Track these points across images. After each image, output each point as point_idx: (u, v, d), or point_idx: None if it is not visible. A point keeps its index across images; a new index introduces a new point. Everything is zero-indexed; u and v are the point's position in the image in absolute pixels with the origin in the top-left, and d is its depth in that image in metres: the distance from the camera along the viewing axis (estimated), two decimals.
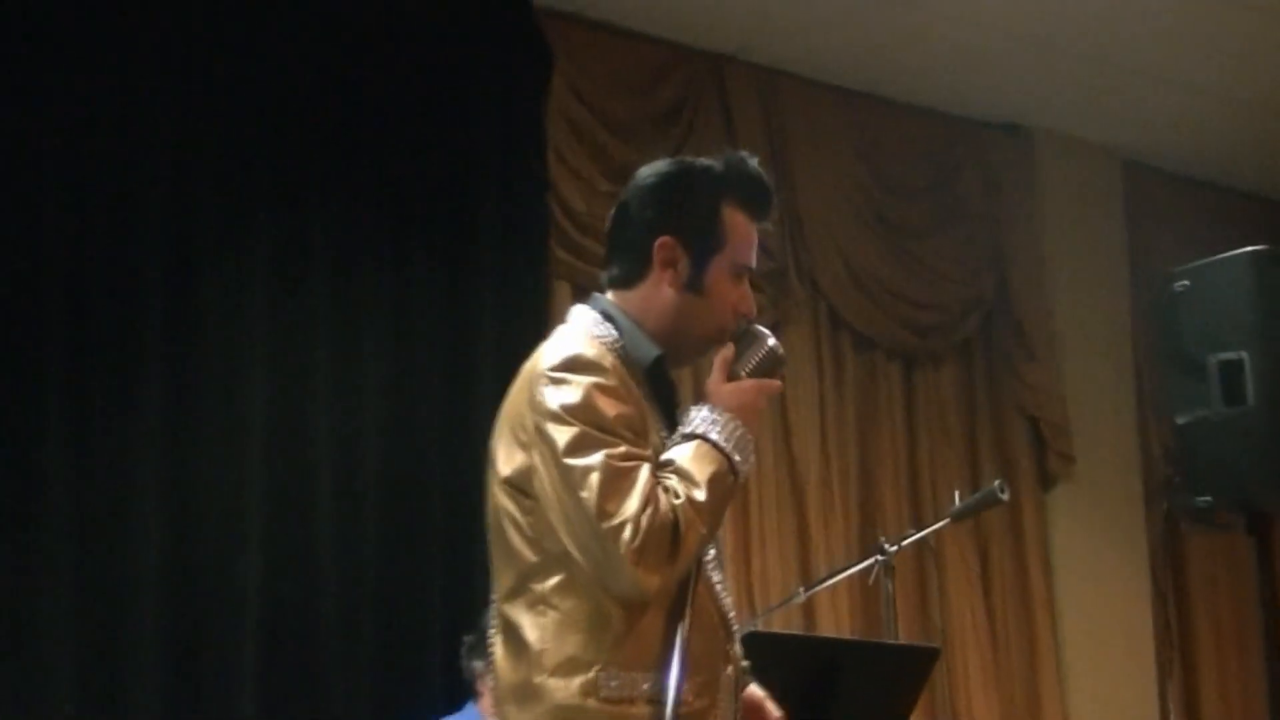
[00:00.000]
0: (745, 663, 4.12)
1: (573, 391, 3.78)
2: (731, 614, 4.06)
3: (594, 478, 3.70)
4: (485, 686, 6.86)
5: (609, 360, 3.88)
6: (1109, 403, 10.42)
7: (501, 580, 3.94)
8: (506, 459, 3.88)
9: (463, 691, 7.19)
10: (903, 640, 7.60)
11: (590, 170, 8.75)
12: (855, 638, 8.38)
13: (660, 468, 3.77)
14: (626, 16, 8.98)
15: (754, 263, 4.10)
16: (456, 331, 8.28)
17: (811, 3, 8.82)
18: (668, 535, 3.71)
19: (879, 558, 6.87)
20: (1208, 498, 6.00)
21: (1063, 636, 10.03)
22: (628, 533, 3.66)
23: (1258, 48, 9.35)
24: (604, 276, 4.10)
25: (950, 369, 9.99)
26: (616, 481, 3.70)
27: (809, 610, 8.42)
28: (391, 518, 7.97)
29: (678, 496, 3.71)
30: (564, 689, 3.85)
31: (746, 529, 8.85)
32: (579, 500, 3.70)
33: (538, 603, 3.91)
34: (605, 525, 3.66)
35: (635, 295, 4.00)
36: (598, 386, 3.78)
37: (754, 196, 4.09)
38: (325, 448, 7.95)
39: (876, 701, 6.04)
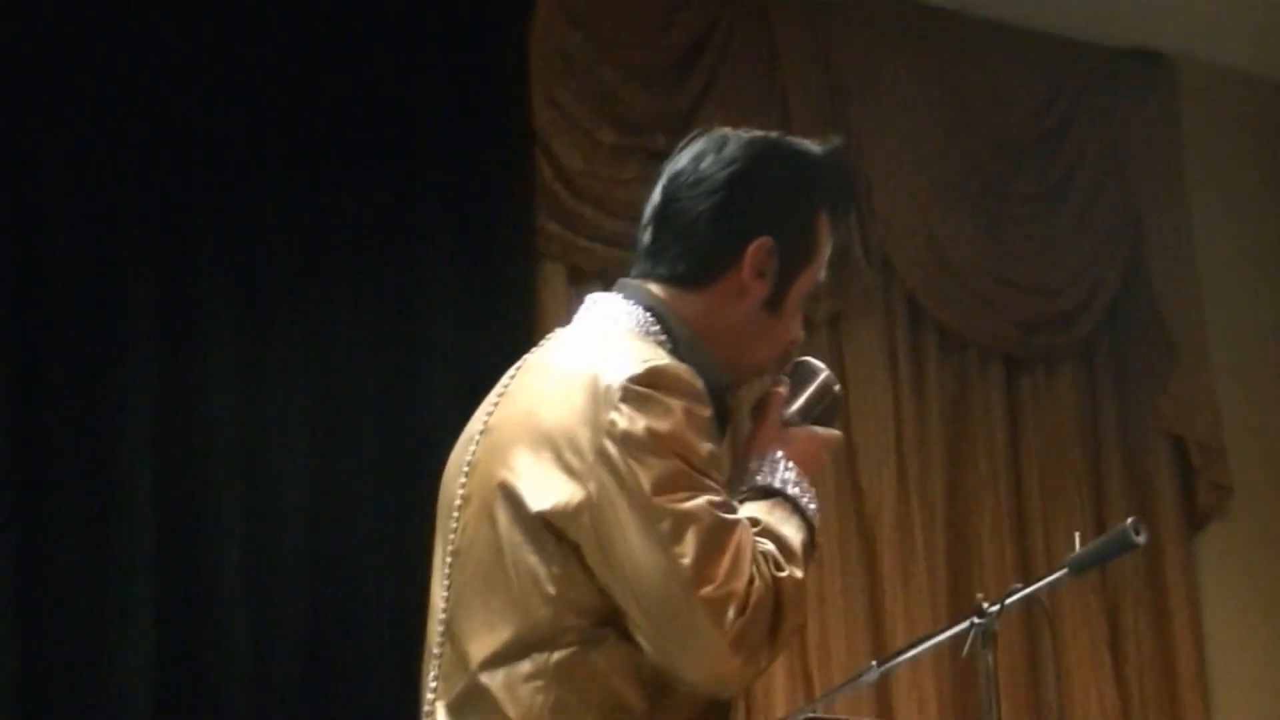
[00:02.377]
0: None
1: (664, 414, 3.38)
2: None
3: (693, 531, 3.30)
4: None
5: (700, 381, 3.51)
6: (1277, 419, 9.47)
7: (480, 638, 3.47)
8: (538, 487, 3.38)
9: None
10: None
11: (591, 117, 7.98)
12: None
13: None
14: None
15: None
16: (399, 330, 7.76)
17: None
18: (768, 616, 3.38)
19: (975, 621, 5.27)
20: None
21: (1215, 711, 9.11)
22: (733, 609, 3.29)
23: None
24: (645, 264, 3.68)
25: (1067, 374, 8.94)
26: (719, 539, 3.32)
27: (883, 692, 7.56)
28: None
29: (780, 569, 3.38)
30: None
31: None
32: (671, 557, 3.29)
33: (534, 678, 3.45)
34: (704, 593, 3.28)
35: (701, 300, 3.64)
36: (690, 413, 3.39)
37: (844, 202, 3.86)
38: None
39: None
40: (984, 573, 8.23)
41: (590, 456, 3.31)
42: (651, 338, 3.58)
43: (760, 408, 3.67)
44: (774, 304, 3.69)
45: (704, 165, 3.69)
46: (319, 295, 7.64)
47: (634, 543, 3.30)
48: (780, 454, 3.56)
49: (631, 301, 3.64)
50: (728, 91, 8.28)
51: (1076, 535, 6.05)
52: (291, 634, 7.59)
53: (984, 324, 8.64)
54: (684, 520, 3.28)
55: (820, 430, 3.64)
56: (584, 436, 3.32)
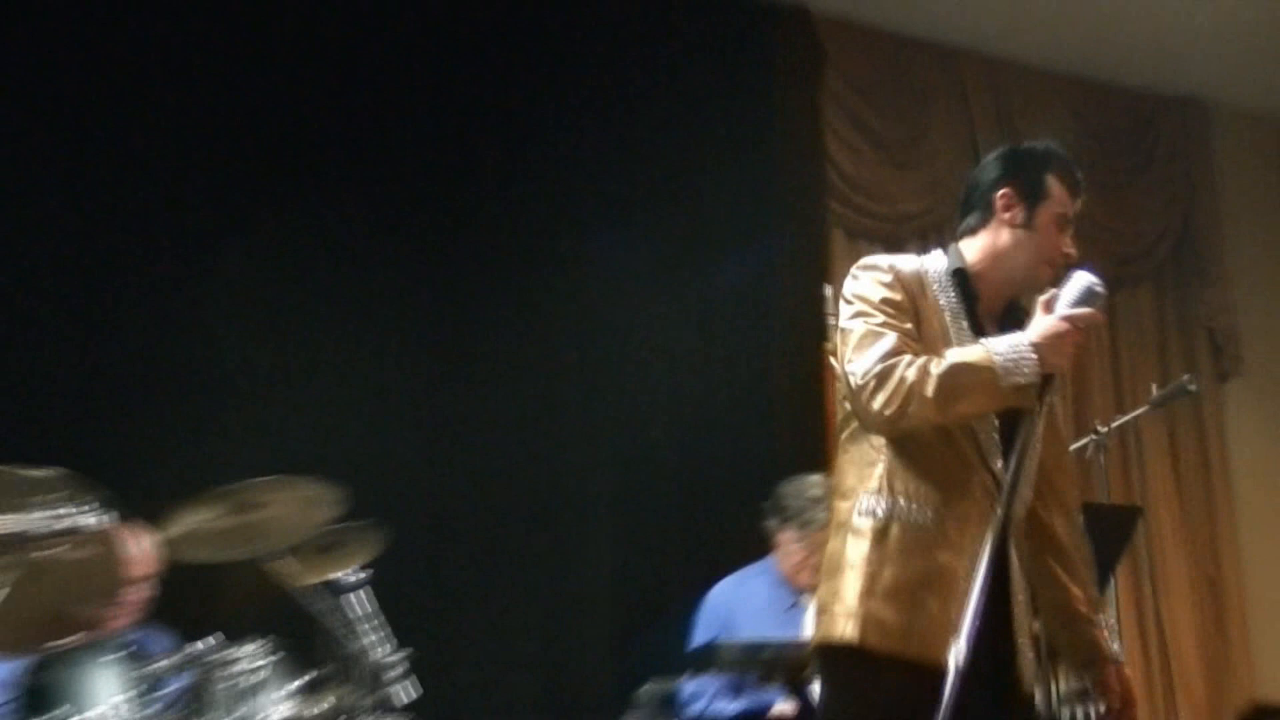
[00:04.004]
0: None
1: (855, 283, 4.84)
2: (998, 467, 4.71)
3: (853, 338, 4.70)
4: (779, 541, 7.81)
5: (887, 264, 4.86)
6: (1276, 316, 11.77)
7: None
8: (840, 340, 4.78)
9: (762, 548, 7.92)
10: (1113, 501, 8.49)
11: (858, 141, 10.25)
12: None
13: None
14: (887, 19, 10.53)
15: (1072, 218, 4.92)
16: (756, 271, 9.58)
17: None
18: (893, 383, 4.56)
19: (1094, 436, 7.85)
20: None
21: (1236, 496, 11.43)
22: (858, 378, 4.60)
23: None
24: (959, 232, 4.98)
25: (1146, 290, 11.46)
26: (865, 342, 4.65)
27: None
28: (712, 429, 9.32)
29: (924, 366, 4.54)
30: (843, 508, 4.83)
31: None
32: (845, 356, 4.67)
33: (841, 448, 4.88)
34: (849, 369, 4.64)
35: (979, 239, 4.93)
36: (873, 279, 4.81)
37: (1070, 173, 4.97)
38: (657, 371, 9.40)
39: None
40: (1094, 410, 10.17)
41: (838, 312, 4.82)
42: (902, 259, 4.95)
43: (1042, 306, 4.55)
44: (1027, 225, 4.83)
45: (976, 169, 5.07)
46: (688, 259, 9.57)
47: (841, 353, 4.73)
48: (1021, 335, 4.50)
49: (940, 251, 4.98)
50: (941, 129, 10.72)
51: (1154, 385, 8.90)
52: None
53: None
54: (849, 334, 4.72)
55: (1073, 312, 4.51)
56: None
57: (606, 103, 9.42)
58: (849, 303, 4.80)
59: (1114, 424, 8.30)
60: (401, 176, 8.98)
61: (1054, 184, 4.92)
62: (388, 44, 8.87)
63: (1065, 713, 6.35)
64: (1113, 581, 7.36)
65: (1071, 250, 4.89)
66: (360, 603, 6.98)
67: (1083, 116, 11.21)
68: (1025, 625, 4.77)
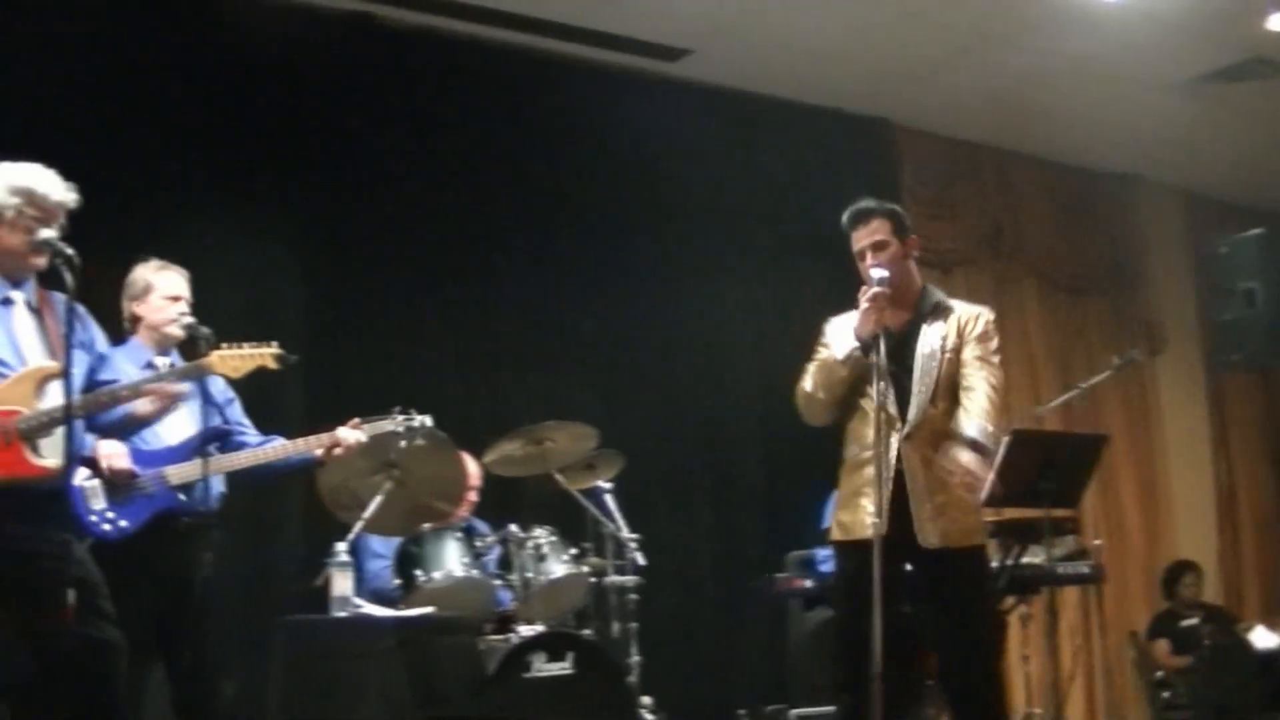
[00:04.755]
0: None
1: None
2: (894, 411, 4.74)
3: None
4: None
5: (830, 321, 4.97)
6: (1184, 315, 11.47)
7: None
8: None
9: None
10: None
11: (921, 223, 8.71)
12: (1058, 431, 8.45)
13: None
14: (933, 124, 9.92)
15: (864, 245, 4.88)
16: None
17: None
18: (799, 394, 4.98)
19: (1075, 391, 8.16)
20: (1236, 357, 8.86)
21: (1164, 427, 11.30)
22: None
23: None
24: None
25: (1102, 299, 11.05)
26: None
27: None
28: None
29: (808, 371, 4.94)
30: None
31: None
32: None
33: None
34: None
35: None
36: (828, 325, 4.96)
37: (849, 220, 4.95)
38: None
39: (1068, 477, 6.38)
40: (1074, 375, 9.65)
41: None
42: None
43: None
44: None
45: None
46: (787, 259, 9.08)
47: None
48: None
49: None
50: (965, 209, 10.24)
51: (1114, 358, 8.49)
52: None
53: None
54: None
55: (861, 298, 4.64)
56: None
57: (739, 177, 9.18)
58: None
59: (1086, 384, 8.28)
60: (617, 238, 8.73)
61: (849, 235, 4.96)
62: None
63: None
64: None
65: (866, 246, 4.91)
66: (609, 502, 7.04)
67: (1054, 190, 10.89)
68: (923, 499, 4.76)
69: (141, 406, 4.69)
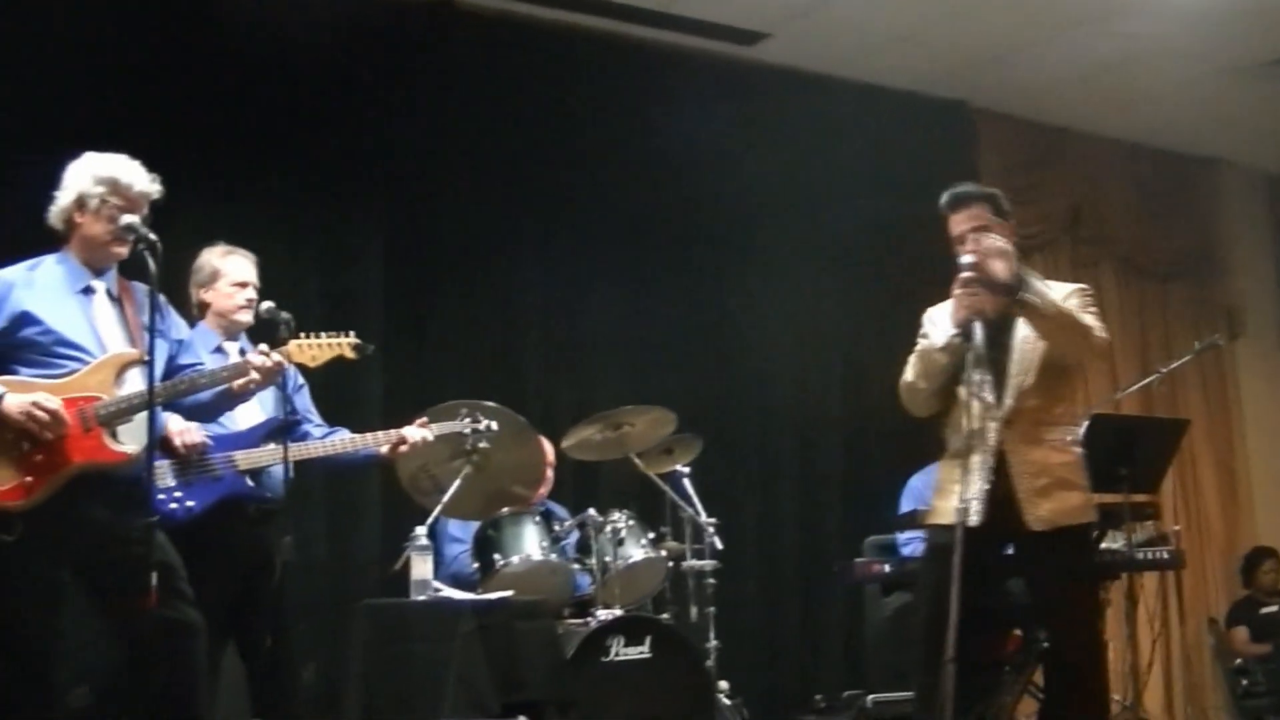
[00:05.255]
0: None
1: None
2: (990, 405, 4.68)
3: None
4: None
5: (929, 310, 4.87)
6: (1263, 299, 11.36)
7: None
8: None
9: None
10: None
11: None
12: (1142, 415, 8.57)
13: None
14: (1013, 107, 9.77)
15: (963, 231, 4.78)
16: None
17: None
18: (902, 386, 4.92)
19: (1156, 375, 7.90)
20: None
21: (1243, 412, 11.18)
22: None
23: None
24: None
25: (1185, 283, 10.91)
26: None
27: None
28: None
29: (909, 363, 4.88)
30: None
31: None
32: None
33: None
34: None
35: None
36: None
37: (947, 204, 4.85)
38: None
39: (1147, 462, 6.52)
40: (1154, 359, 9.64)
41: None
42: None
43: None
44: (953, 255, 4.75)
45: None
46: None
47: None
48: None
49: None
50: (1047, 196, 10.07)
51: (1195, 342, 8.30)
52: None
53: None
54: None
55: (956, 290, 4.60)
56: None
57: (818, 162, 9.03)
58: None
59: (1167, 368, 8.09)
60: (698, 223, 8.77)
61: (947, 219, 4.88)
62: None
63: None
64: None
65: (968, 251, 4.78)
66: (687, 486, 6.93)
67: (1135, 174, 10.74)
68: (1027, 483, 4.72)
69: (236, 385, 4.67)
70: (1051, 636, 4.86)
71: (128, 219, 4.31)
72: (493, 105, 7.77)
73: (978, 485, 4.56)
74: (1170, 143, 10.60)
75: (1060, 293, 4.83)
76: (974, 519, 4.47)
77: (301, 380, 5.39)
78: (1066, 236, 10.17)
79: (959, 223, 4.81)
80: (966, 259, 4.63)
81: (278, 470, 5.00)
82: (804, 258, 8.97)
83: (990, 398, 4.67)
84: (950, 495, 4.62)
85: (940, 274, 4.97)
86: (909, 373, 4.77)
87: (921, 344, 4.84)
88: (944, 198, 4.86)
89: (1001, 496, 4.63)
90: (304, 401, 5.45)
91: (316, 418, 5.48)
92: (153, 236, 4.23)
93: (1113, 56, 8.93)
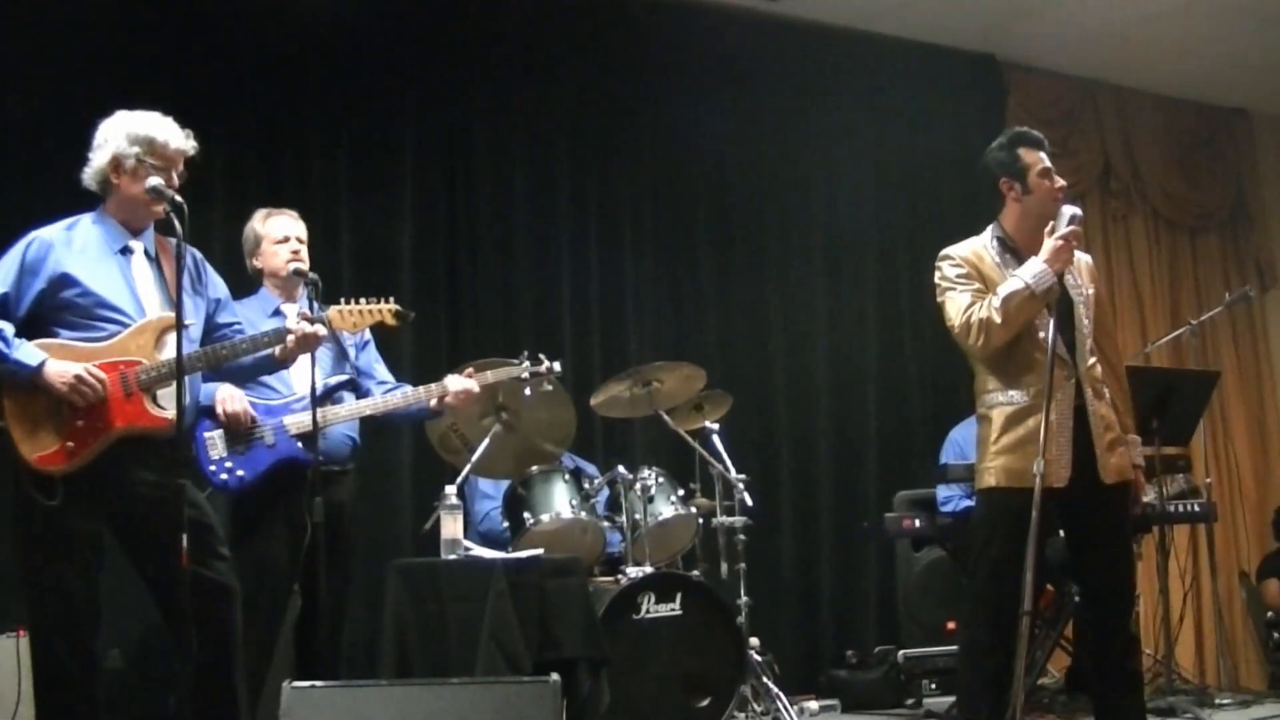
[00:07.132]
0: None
1: (938, 270, 4.84)
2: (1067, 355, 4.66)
3: (946, 304, 4.81)
4: None
5: (948, 253, 4.82)
6: None
7: None
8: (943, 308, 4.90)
9: None
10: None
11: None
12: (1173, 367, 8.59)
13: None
14: (1042, 61, 9.62)
15: (1048, 164, 4.78)
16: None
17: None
18: (975, 325, 4.65)
19: (1186, 327, 7.96)
20: None
21: (1274, 364, 10.99)
22: (954, 328, 4.74)
23: None
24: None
25: (1215, 236, 10.75)
26: (951, 304, 4.76)
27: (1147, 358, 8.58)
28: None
29: (988, 304, 4.64)
30: (978, 404, 4.91)
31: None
32: (947, 317, 4.80)
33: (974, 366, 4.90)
34: (949, 324, 4.78)
35: (1007, 213, 4.85)
36: (946, 264, 4.81)
37: (1030, 139, 4.84)
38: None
39: (1179, 414, 6.71)
40: (1185, 311, 9.70)
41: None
42: (974, 240, 4.80)
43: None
44: (1026, 192, 4.74)
45: (980, 170, 4.88)
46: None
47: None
48: (1033, 259, 4.60)
49: (993, 226, 4.80)
50: (1078, 144, 9.91)
51: (1226, 294, 8.55)
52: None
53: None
54: (944, 305, 4.72)
55: (1062, 231, 4.58)
56: None
57: (846, 115, 8.95)
58: (938, 284, 4.85)
59: (1198, 320, 8.10)
60: (727, 180, 8.68)
61: (1025, 154, 4.80)
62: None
63: None
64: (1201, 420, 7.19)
65: (1061, 184, 4.83)
66: (717, 442, 6.82)
67: (1166, 126, 10.56)
68: (1102, 437, 4.75)
69: (277, 351, 4.59)
70: (1102, 587, 4.84)
71: (154, 181, 4.25)
72: (526, 67, 7.73)
73: (1061, 443, 4.64)
74: (1201, 95, 10.46)
75: (1082, 260, 5.02)
76: (1060, 480, 4.60)
77: (367, 336, 5.38)
78: (1096, 190, 10.01)
79: (1045, 158, 4.86)
80: (1071, 210, 4.68)
81: (336, 432, 5.03)
82: (834, 211, 8.87)
83: (1064, 353, 4.67)
84: (1025, 455, 4.60)
85: (967, 225, 5.02)
86: (981, 310, 4.67)
87: (967, 286, 4.79)
88: (1022, 133, 4.90)
89: (1080, 452, 4.68)
90: (368, 357, 5.44)
91: (381, 373, 5.46)
92: (178, 199, 4.17)
93: (1142, 9, 8.79)
